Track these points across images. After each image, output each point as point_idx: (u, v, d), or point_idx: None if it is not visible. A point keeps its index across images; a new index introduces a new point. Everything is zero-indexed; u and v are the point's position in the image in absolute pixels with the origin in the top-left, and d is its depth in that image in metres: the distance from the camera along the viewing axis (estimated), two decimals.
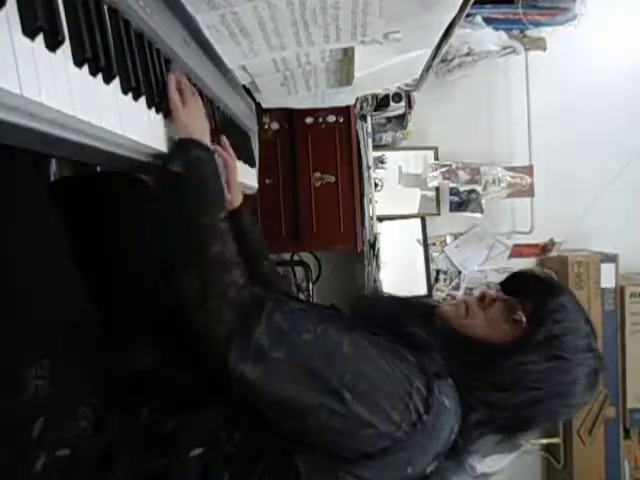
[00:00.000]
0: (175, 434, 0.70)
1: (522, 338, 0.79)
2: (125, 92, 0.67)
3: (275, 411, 0.69)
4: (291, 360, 0.67)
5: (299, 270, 2.35)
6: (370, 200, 2.00)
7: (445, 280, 2.46)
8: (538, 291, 0.83)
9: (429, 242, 2.43)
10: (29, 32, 0.47)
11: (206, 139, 0.82)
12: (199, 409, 0.72)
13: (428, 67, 1.48)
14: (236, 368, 0.66)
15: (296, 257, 2.33)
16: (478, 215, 2.37)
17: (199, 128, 0.81)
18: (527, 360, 0.77)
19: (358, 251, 1.98)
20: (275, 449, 0.70)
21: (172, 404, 0.72)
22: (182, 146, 0.77)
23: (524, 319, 0.81)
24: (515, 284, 0.88)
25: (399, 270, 2.23)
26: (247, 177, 1.37)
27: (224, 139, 1.06)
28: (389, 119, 2.24)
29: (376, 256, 2.03)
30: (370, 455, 0.68)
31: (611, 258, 2.32)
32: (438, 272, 2.46)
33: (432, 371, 0.72)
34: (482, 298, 0.86)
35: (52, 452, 0.66)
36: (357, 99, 1.85)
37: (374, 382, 0.68)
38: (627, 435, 2.39)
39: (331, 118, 1.85)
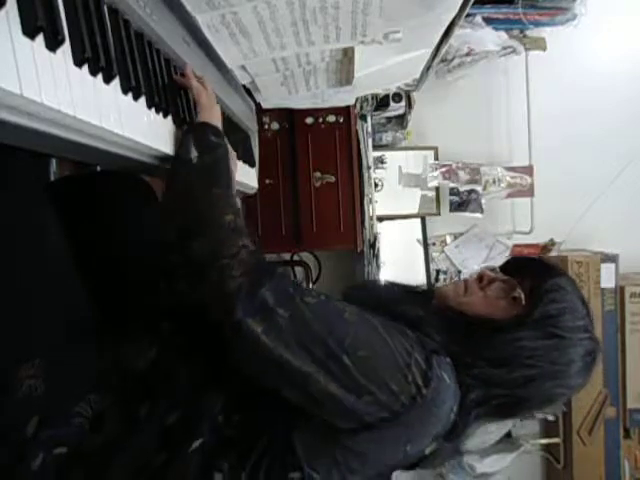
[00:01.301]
0: (175, 428, 0.70)
1: (520, 315, 0.80)
2: (125, 92, 0.67)
3: (276, 374, 0.69)
4: (294, 320, 0.68)
5: (299, 270, 2.35)
6: (370, 200, 2.00)
7: (445, 280, 2.46)
8: (536, 272, 0.84)
9: (429, 242, 2.43)
10: (29, 32, 0.47)
11: (220, 125, 0.88)
12: (197, 401, 0.72)
13: (428, 67, 1.48)
14: (243, 320, 0.66)
15: (296, 257, 2.33)
16: (478, 215, 2.37)
17: (216, 114, 0.87)
18: (524, 336, 0.77)
19: (358, 251, 1.98)
20: (274, 429, 0.70)
21: (171, 399, 0.72)
22: (201, 129, 0.82)
23: (522, 297, 0.82)
24: (514, 267, 0.89)
25: (399, 270, 2.23)
26: (247, 177, 1.37)
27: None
28: (389, 119, 2.24)
29: (376, 256, 2.03)
30: (368, 426, 0.68)
31: (611, 258, 2.32)
32: (438, 272, 2.46)
33: (432, 347, 0.73)
34: (481, 278, 0.86)
35: (49, 450, 0.66)
36: (357, 99, 1.85)
37: (373, 349, 0.69)
38: (627, 435, 2.39)
39: (331, 118, 1.85)
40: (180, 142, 0.80)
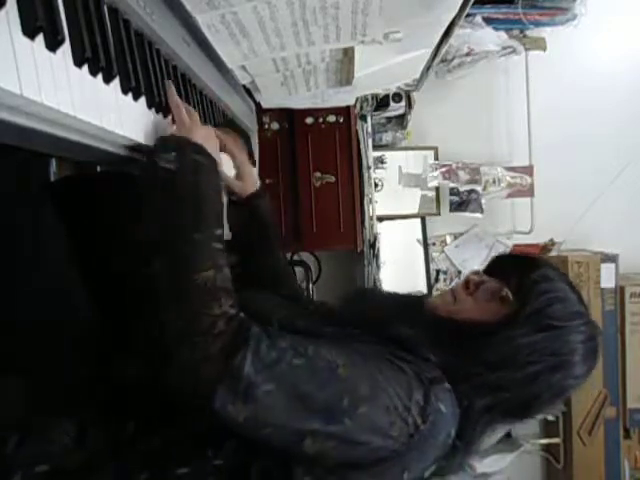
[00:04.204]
0: (160, 450, 0.68)
1: (511, 313, 0.79)
2: (125, 92, 0.67)
3: (269, 439, 0.66)
4: (283, 390, 0.64)
5: (299, 270, 2.35)
6: (370, 200, 2.00)
7: (445, 280, 2.46)
8: (520, 267, 0.83)
9: (429, 242, 2.43)
10: (29, 32, 0.47)
11: (211, 147, 0.73)
12: (183, 427, 0.70)
13: (428, 67, 1.48)
14: (224, 410, 0.62)
15: (296, 257, 2.33)
16: (478, 215, 2.37)
17: (203, 134, 0.74)
18: (519, 333, 0.76)
19: (358, 251, 1.98)
20: (269, 457, 0.68)
21: (158, 419, 0.69)
22: (179, 145, 0.69)
23: (510, 295, 0.81)
24: (497, 267, 0.88)
25: (399, 270, 2.23)
26: None
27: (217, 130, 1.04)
28: (389, 119, 2.24)
29: (376, 256, 2.03)
30: (365, 465, 0.68)
31: (611, 258, 2.32)
32: (438, 272, 2.46)
33: (429, 377, 0.71)
34: (467, 284, 0.85)
35: (29, 468, 0.64)
36: (357, 99, 1.85)
37: (372, 402, 0.67)
38: (627, 435, 2.39)
39: (331, 118, 1.85)
40: (149, 159, 0.68)
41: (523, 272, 0.81)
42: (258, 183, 1.06)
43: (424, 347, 0.75)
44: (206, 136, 0.74)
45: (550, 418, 2.37)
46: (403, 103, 2.13)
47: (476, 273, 0.87)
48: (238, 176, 1.04)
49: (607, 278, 2.31)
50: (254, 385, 0.62)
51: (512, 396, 0.76)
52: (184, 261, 0.64)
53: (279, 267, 1.09)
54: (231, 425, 0.64)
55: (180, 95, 0.87)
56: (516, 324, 0.77)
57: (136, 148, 0.71)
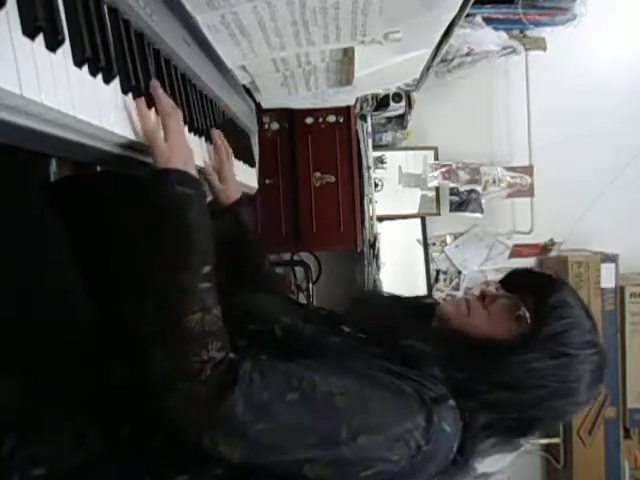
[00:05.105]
0: (160, 453, 0.67)
1: (526, 335, 0.79)
2: (125, 92, 0.67)
3: (266, 469, 0.66)
4: (278, 427, 0.62)
5: (299, 270, 2.35)
6: (370, 200, 2.00)
7: (445, 280, 2.46)
8: (539, 287, 0.83)
9: (429, 242, 2.43)
10: (29, 32, 0.47)
11: (192, 167, 0.71)
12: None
13: (428, 67, 1.49)
14: (216, 452, 0.62)
15: (296, 257, 2.33)
16: (478, 215, 2.37)
17: (183, 156, 0.70)
18: (532, 357, 0.76)
19: (358, 251, 1.98)
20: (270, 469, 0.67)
21: (157, 420, 0.67)
22: (162, 179, 0.66)
23: (527, 316, 0.80)
24: (515, 281, 0.88)
25: (399, 270, 2.23)
26: (247, 177, 1.37)
27: (213, 131, 1.04)
28: (389, 119, 2.24)
29: (376, 256, 2.03)
30: None
31: (611, 258, 2.32)
32: (438, 272, 2.46)
33: (432, 396, 0.70)
34: (482, 297, 0.85)
35: (26, 471, 0.63)
36: (357, 99, 1.85)
37: (371, 431, 0.66)
38: (627, 435, 2.39)
39: (331, 118, 1.85)
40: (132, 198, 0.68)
41: (542, 293, 0.80)
42: (240, 191, 1.06)
43: (432, 363, 0.74)
44: (185, 156, 0.70)
45: None
46: (403, 103, 2.13)
47: (493, 285, 0.86)
48: (220, 181, 1.03)
49: (607, 278, 2.31)
50: (247, 426, 0.61)
51: (513, 417, 0.76)
52: (171, 304, 0.62)
53: (263, 271, 1.09)
54: (229, 461, 0.63)
55: (180, 95, 0.87)
56: (531, 347, 0.77)
57: (136, 148, 0.71)
